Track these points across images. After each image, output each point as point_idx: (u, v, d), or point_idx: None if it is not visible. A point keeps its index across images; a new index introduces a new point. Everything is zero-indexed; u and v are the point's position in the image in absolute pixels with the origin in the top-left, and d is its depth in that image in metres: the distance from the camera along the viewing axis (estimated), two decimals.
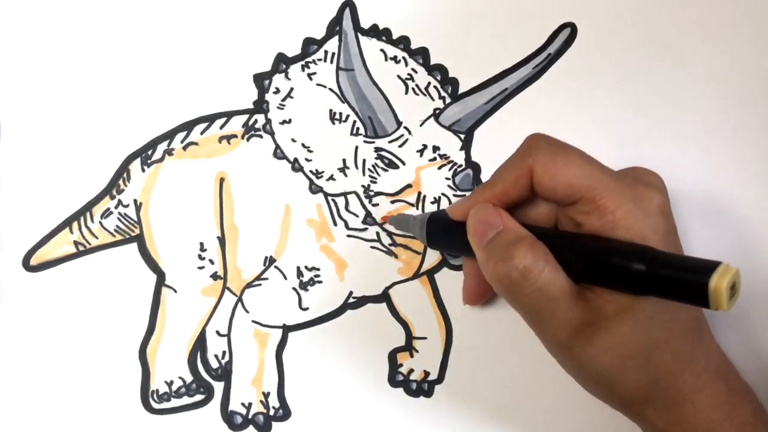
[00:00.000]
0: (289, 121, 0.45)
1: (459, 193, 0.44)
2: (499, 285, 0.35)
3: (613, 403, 0.37)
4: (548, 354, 0.43)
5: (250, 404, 0.44)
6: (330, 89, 0.44)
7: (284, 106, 0.45)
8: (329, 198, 0.44)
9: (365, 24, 0.45)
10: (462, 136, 0.44)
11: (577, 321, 0.34)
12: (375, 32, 0.45)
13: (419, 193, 0.44)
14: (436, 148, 0.44)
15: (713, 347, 0.38)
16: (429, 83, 0.44)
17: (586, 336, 0.34)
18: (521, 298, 0.35)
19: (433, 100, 0.44)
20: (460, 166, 0.44)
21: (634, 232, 0.34)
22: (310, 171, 0.45)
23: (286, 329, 0.45)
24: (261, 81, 0.45)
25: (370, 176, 0.44)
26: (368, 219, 0.44)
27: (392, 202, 0.44)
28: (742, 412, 0.36)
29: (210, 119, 0.45)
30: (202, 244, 0.45)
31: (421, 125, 0.44)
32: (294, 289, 0.45)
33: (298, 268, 0.45)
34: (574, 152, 0.37)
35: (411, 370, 0.44)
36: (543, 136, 0.38)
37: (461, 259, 0.43)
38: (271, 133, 0.45)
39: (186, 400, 0.45)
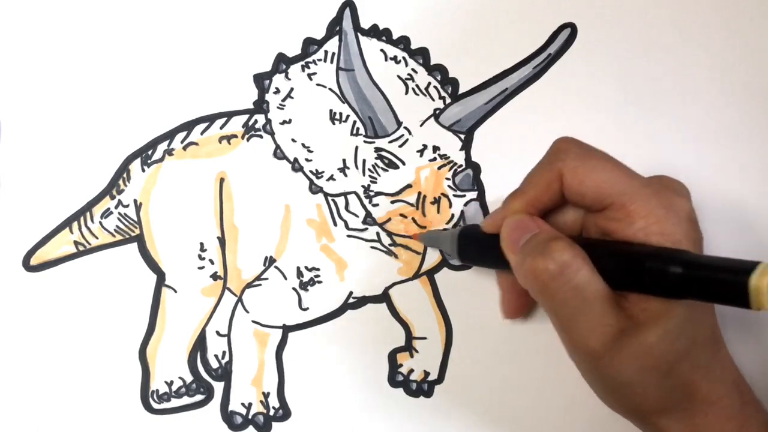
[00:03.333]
0: (289, 121, 0.45)
1: (459, 193, 0.44)
2: (535, 282, 0.35)
3: (629, 413, 0.37)
4: (547, 354, 0.43)
5: (250, 404, 0.44)
6: (330, 89, 0.44)
7: (284, 106, 0.45)
8: (329, 198, 0.44)
9: (365, 24, 0.45)
10: (462, 136, 0.44)
11: (611, 327, 0.34)
12: (375, 32, 0.45)
13: (419, 193, 0.44)
14: (436, 148, 0.44)
15: (728, 360, 0.37)
16: (429, 83, 0.44)
17: (617, 345, 0.34)
18: (557, 295, 0.34)
19: (433, 100, 0.44)
20: (460, 166, 0.44)
21: (667, 237, 0.34)
22: (310, 171, 0.45)
23: (286, 329, 0.45)
24: (261, 81, 0.45)
25: (370, 176, 0.44)
26: (368, 219, 0.44)
27: (392, 202, 0.44)
28: (755, 423, 0.36)
29: (210, 119, 0.45)
30: (202, 244, 0.45)
31: (421, 125, 0.44)
32: (294, 289, 0.45)
33: (298, 268, 0.45)
34: (603, 156, 0.36)
35: (411, 370, 0.44)
36: (571, 139, 0.37)
37: (496, 274, 0.43)
38: (271, 133, 0.45)
39: (186, 400, 0.44)
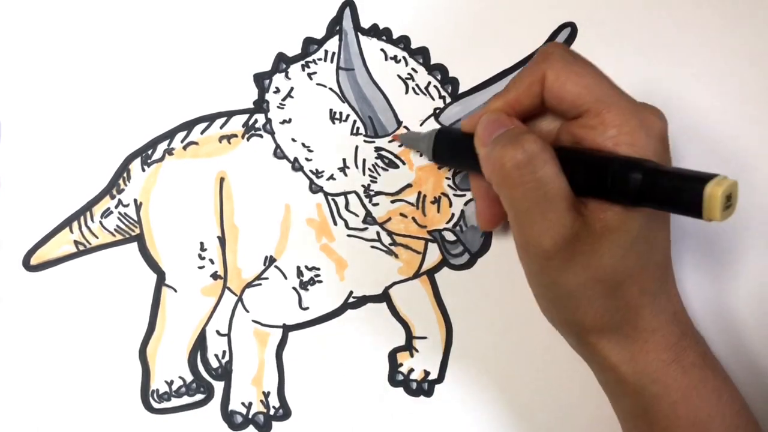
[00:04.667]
0: (289, 121, 0.45)
1: (459, 192, 0.44)
2: (501, 171, 0.35)
3: (570, 329, 0.37)
4: (548, 354, 0.43)
5: (250, 404, 0.44)
6: (330, 89, 0.44)
7: (284, 105, 0.45)
8: (329, 197, 0.45)
9: (365, 24, 0.45)
10: None
11: (567, 229, 0.34)
12: (375, 32, 0.45)
13: (419, 193, 0.44)
14: None
15: (674, 292, 0.38)
16: (429, 83, 0.44)
17: (570, 248, 0.34)
18: (519, 186, 0.34)
19: (433, 99, 0.44)
20: None
21: (636, 149, 0.34)
22: (310, 170, 0.45)
23: (286, 329, 0.45)
24: (261, 81, 0.45)
25: (370, 176, 0.44)
26: (368, 218, 0.44)
27: (392, 201, 0.44)
28: (692, 354, 0.37)
29: (210, 119, 0.45)
30: (202, 243, 0.45)
31: (421, 125, 0.44)
32: (294, 288, 0.45)
33: (298, 267, 0.45)
34: (587, 63, 0.37)
35: (411, 370, 0.44)
36: (559, 44, 0.38)
37: (470, 179, 0.43)
38: (272, 133, 0.45)
39: (186, 400, 0.44)
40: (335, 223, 0.44)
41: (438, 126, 0.44)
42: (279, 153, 0.45)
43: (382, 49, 0.44)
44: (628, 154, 0.34)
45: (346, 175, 0.44)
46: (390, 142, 0.44)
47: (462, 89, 0.44)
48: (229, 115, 0.45)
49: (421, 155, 0.44)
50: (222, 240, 0.45)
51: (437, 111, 0.44)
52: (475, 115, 0.39)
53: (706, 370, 0.37)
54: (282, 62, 0.45)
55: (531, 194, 0.34)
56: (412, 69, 0.44)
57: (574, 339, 0.38)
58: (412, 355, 0.44)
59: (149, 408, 0.44)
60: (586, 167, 0.34)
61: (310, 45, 0.45)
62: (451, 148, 0.41)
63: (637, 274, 0.35)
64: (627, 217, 0.34)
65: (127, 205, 0.45)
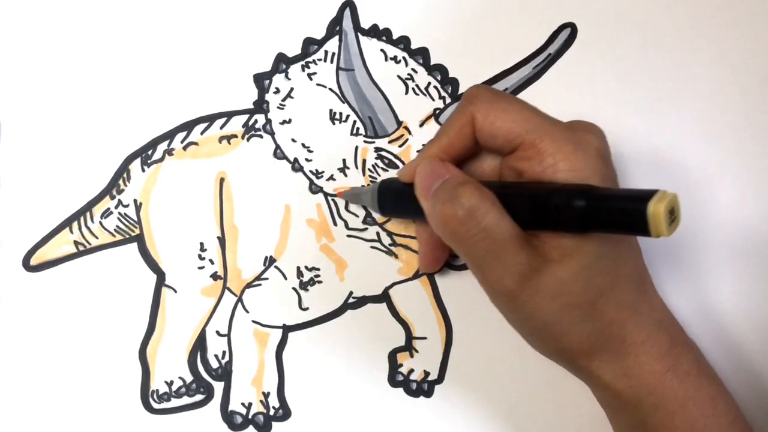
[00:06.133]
0: (289, 121, 0.45)
1: None
2: (446, 228, 0.35)
3: (560, 356, 0.37)
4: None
5: (250, 404, 0.44)
6: (330, 89, 0.44)
7: (284, 106, 0.45)
8: (329, 198, 0.44)
9: (365, 24, 0.45)
10: None
11: (524, 266, 0.34)
12: (375, 32, 0.45)
13: None
14: None
15: (656, 300, 0.38)
16: (429, 83, 0.44)
17: (533, 283, 0.34)
18: (467, 239, 0.34)
19: (433, 100, 0.44)
20: None
21: (576, 173, 0.34)
22: (310, 171, 0.45)
23: (286, 329, 0.45)
24: (261, 81, 0.45)
25: (370, 176, 0.44)
26: (368, 219, 0.44)
27: None
28: (685, 362, 0.36)
29: (210, 119, 0.45)
30: (202, 244, 0.45)
31: (421, 125, 0.44)
32: (294, 289, 0.45)
33: (298, 268, 0.45)
34: (513, 99, 0.37)
35: (411, 370, 0.44)
36: (482, 86, 0.38)
37: (414, 225, 0.43)
38: (271, 133, 0.45)
39: (186, 400, 0.44)
40: (335, 224, 0.44)
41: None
42: (279, 153, 0.45)
43: (382, 50, 0.44)
44: (569, 180, 0.34)
45: (346, 175, 0.44)
46: (335, 197, 0.44)
47: (462, 89, 0.44)
48: (229, 115, 0.45)
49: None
50: (222, 240, 0.45)
51: (437, 111, 0.44)
52: (412, 164, 0.39)
53: (701, 377, 0.37)
54: (282, 62, 0.45)
55: (481, 243, 0.34)
56: (412, 69, 0.44)
57: (566, 365, 0.38)
58: (412, 356, 0.44)
59: (149, 408, 0.44)
60: (530, 202, 0.34)
61: (310, 45, 0.45)
62: (396, 200, 0.41)
63: (608, 291, 0.35)
64: (581, 241, 0.34)
65: (127, 206, 0.45)
